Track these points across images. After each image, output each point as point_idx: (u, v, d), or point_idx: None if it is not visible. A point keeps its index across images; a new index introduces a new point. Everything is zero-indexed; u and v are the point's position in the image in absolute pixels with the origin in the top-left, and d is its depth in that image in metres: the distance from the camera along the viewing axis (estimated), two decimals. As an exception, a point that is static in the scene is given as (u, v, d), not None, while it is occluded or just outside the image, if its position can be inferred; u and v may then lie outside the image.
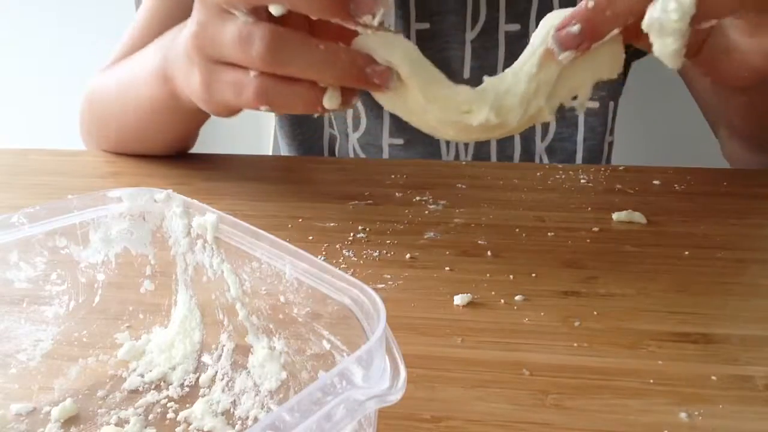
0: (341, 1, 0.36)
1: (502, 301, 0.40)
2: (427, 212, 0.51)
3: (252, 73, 0.40)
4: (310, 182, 0.59)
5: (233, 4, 0.39)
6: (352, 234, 0.48)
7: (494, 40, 0.69)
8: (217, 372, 0.34)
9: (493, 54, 0.69)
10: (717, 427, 0.30)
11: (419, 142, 0.71)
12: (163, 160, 0.62)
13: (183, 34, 0.46)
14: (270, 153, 0.92)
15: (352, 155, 0.74)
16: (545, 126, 0.71)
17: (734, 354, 0.34)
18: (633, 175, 0.57)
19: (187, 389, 0.33)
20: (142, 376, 0.34)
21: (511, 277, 0.42)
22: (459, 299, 0.39)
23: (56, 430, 0.31)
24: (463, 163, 0.68)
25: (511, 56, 0.69)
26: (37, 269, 0.33)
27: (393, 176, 0.57)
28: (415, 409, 0.31)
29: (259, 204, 0.53)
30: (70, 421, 0.31)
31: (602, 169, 0.59)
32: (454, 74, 0.70)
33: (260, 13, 0.39)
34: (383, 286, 0.41)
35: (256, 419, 0.31)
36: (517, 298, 0.40)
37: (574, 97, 0.39)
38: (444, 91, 0.38)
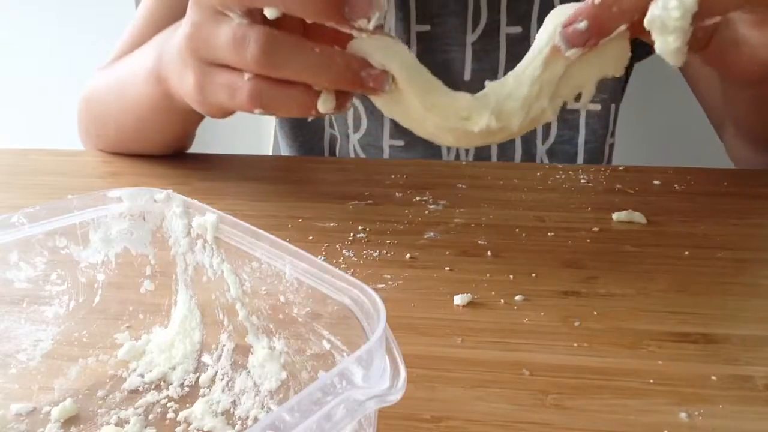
0: (336, 5, 0.36)
1: (502, 301, 0.40)
2: (427, 212, 0.51)
3: (246, 76, 0.40)
4: (310, 182, 0.59)
5: (228, 6, 0.39)
6: (352, 234, 0.48)
7: (495, 43, 0.69)
8: (217, 372, 0.34)
9: (494, 56, 0.69)
10: (717, 427, 0.30)
11: (420, 144, 0.71)
12: (162, 160, 0.62)
13: (177, 34, 0.45)
14: (270, 153, 0.92)
15: (352, 156, 0.74)
16: (546, 128, 0.71)
17: (734, 354, 0.34)
18: (633, 175, 0.57)
19: (187, 389, 0.33)
20: (142, 376, 0.34)
21: (511, 277, 0.42)
22: (459, 299, 0.39)
23: (56, 430, 0.31)
24: (463, 163, 0.68)
25: (512, 58, 0.69)
26: (37, 269, 0.33)
27: (393, 176, 0.57)
28: (415, 409, 0.31)
29: (259, 204, 0.53)
30: (70, 421, 0.31)
31: (602, 169, 0.59)
32: (454, 77, 0.70)
33: (255, 16, 0.39)
34: (383, 286, 0.41)
35: (256, 419, 0.31)
36: (517, 298, 0.40)
37: (577, 97, 0.39)
38: (442, 98, 0.38)
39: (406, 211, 0.51)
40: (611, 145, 0.76)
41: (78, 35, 1.30)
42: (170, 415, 0.32)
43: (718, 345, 0.35)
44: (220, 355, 0.34)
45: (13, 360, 0.33)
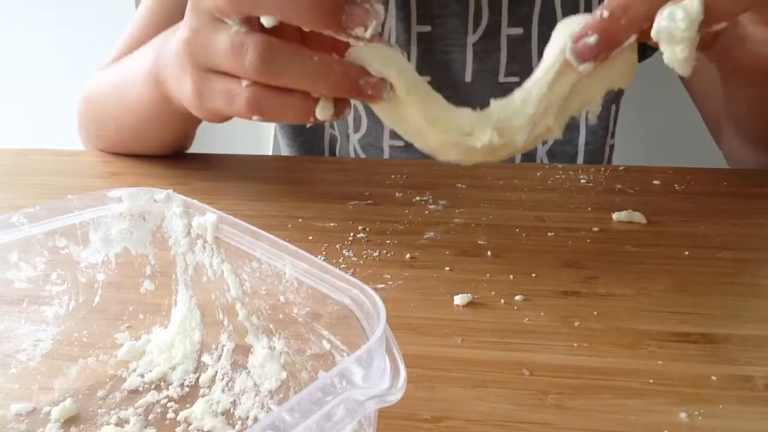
0: (333, 14, 0.36)
1: (502, 301, 0.40)
2: (427, 212, 0.51)
3: (244, 83, 0.40)
4: (310, 182, 0.59)
5: (225, 13, 0.39)
6: (352, 234, 0.48)
7: (496, 44, 0.69)
8: (217, 372, 0.34)
9: (495, 57, 0.69)
10: (717, 427, 0.30)
11: (420, 144, 0.71)
12: (162, 160, 0.62)
13: (175, 37, 0.45)
14: (270, 153, 0.92)
15: (352, 156, 0.74)
16: None
17: (734, 354, 0.34)
18: (633, 175, 0.57)
19: (187, 389, 0.33)
20: (142, 376, 0.34)
21: (511, 277, 0.42)
22: (459, 299, 0.39)
23: (56, 430, 0.31)
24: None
25: (513, 60, 0.69)
26: (37, 269, 0.33)
27: (393, 176, 0.57)
28: (415, 409, 0.31)
29: (259, 204, 0.53)
30: (70, 421, 0.31)
31: (602, 169, 0.59)
32: (455, 77, 0.70)
33: (253, 23, 0.39)
34: (383, 286, 0.41)
35: (256, 419, 0.31)
36: (517, 298, 0.40)
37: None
38: (444, 112, 0.38)
39: (406, 211, 0.51)
40: (611, 146, 0.76)
41: (78, 35, 1.30)
42: (170, 415, 0.32)
43: (718, 345, 0.35)
44: (220, 355, 0.34)
45: (13, 360, 0.33)
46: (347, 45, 0.38)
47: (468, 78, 0.70)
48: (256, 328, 0.33)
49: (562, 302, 0.39)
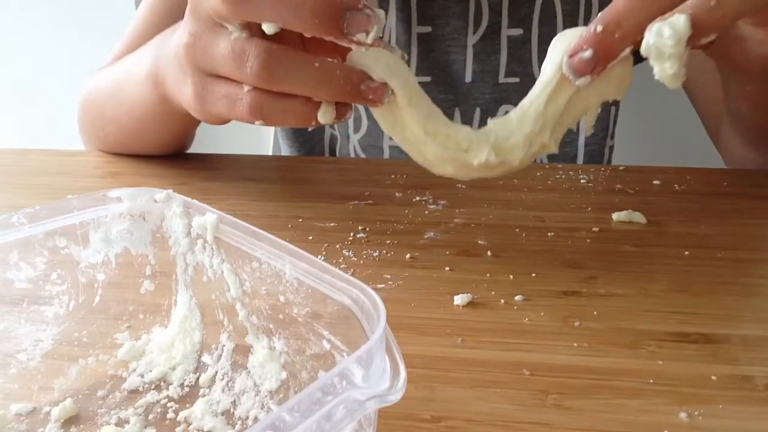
0: (335, 20, 0.36)
1: (502, 301, 0.40)
2: (427, 212, 0.51)
3: (246, 88, 0.40)
4: (310, 182, 0.59)
5: (225, 19, 0.39)
6: (352, 234, 0.48)
7: (496, 45, 0.69)
8: (217, 372, 0.34)
9: (495, 58, 0.69)
10: (717, 427, 0.30)
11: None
12: (163, 160, 0.62)
13: (174, 40, 0.45)
14: (270, 153, 0.92)
15: (353, 156, 0.74)
16: None
17: (734, 354, 0.34)
18: (633, 175, 0.57)
19: (187, 389, 0.33)
20: (142, 376, 0.34)
21: (511, 277, 0.42)
22: (459, 299, 0.39)
23: (56, 430, 0.31)
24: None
25: (513, 60, 0.69)
26: (37, 269, 0.33)
27: (393, 176, 0.57)
28: (415, 409, 0.31)
29: (259, 204, 0.53)
30: (70, 421, 0.31)
31: (602, 169, 0.59)
32: (455, 78, 0.70)
33: (253, 28, 0.39)
34: (383, 286, 0.41)
35: (256, 419, 0.31)
36: (517, 298, 0.40)
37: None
38: (443, 127, 0.38)
39: (406, 211, 0.51)
40: (611, 148, 0.76)
41: (78, 35, 1.30)
42: (170, 415, 0.32)
43: (718, 345, 0.35)
44: (220, 355, 0.34)
45: (13, 360, 0.33)
46: (348, 48, 0.38)
47: (468, 78, 0.70)
48: (256, 328, 0.33)
49: (562, 302, 0.39)
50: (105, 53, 0.69)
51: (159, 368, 0.34)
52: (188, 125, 0.60)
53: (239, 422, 0.31)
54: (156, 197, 0.35)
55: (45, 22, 1.32)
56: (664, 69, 0.34)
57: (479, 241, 0.46)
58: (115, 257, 0.35)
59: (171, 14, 0.61)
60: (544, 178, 0.57)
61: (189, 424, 0.31)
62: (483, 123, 0.74)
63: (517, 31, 0.69)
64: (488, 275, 0.42)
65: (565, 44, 0.36)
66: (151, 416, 0.32)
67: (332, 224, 0.49)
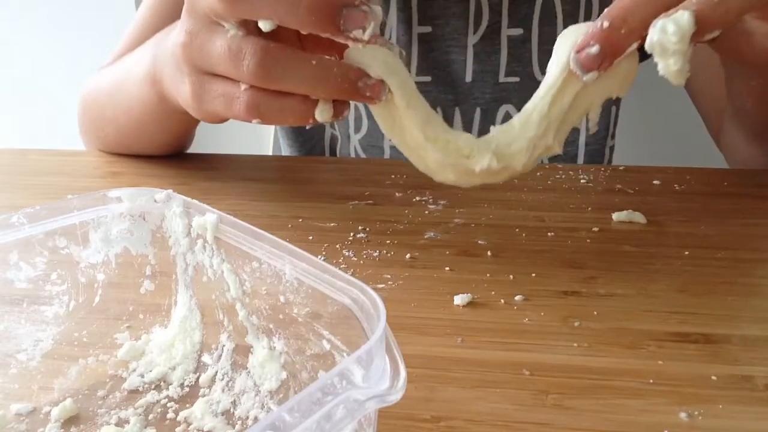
0: (331, 17, 0.36)
1: (502, 301, 0.40)
2: (427, 212, 0.51)
3: (243, 86, 0.40)
4: (310, 182, 0.59)
5: (222, 17, 0.39)
6: (352, 234, 0.48)
7: (496, 44, 0.69)
8: (217, 372, 0.34)
9: (495, 58, 0.69)
10: (717, 427, 0.30)
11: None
12: (163, 160, 0.62)
13: (171, 39, 0.45)
14: (270, 153, 0.92)
15: (353, 156, 0.74)
16: None
17: (734, 354, 0.34)
18: (633, 175, 0.57)
19: (187, 389, 0.33)
20: (142, 376, 0.34)
21: (511, 277, 0.42)
22: (459, 299, 0.39)
23: (56, 430, 0.31)
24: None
25: (513, 60, 0.69)
26: (37, 269, 0.33)
27: (393, 176, 0.57)
28: (415, 409, 0.31)
29: (259, 204, 0.53)
30: (70, 421, 0.31)
31: (602, 169, 0.59)
32: (456, 78, 0.70)
33: (249, 26, 0.39)
34: (383, 286, 0.41)
35: (256, 419, 0.31)
36: (517, 298, 0.40)
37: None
38: (443, 133, 0.38)
39: (406, 211, 0.51)
40: (611, 147, 0.76)
41: (79, 35, 1.30)
42: (170, 415, 0.32)
43: (718, 345, 0.35)
44: (220, 355, 0.34)
45: (13, 360, 0.33)
46: (346, 45, 0.38)
47: (468, 78, 0.70)
48: (256, 328, 0.33)
49: (562, 302, 0.39)
50: (105, 53, 0.69)
51: (159, 368, 0.34)
52: (187, 125, 0.60)
53: (239, 422, 0.31)
54: (156, 197, 0.35)
55: (45, 22, 1.32)
56: (668, 65, 0.34)
57: (479, 241, 0.46)
58: (115, 257, 0.35)
59: (171, 14, 0.61)
60: (544, 178, 0.57)
61: (189, 424, 0.31)
62: (483, 122, 0.74)
63: (517, 31, 0.69)
64: (488, 275, 0.42)
65: (570, 42, 0.36)
66: (151, 416, 0.32)
67: (332, 224, 0.49)
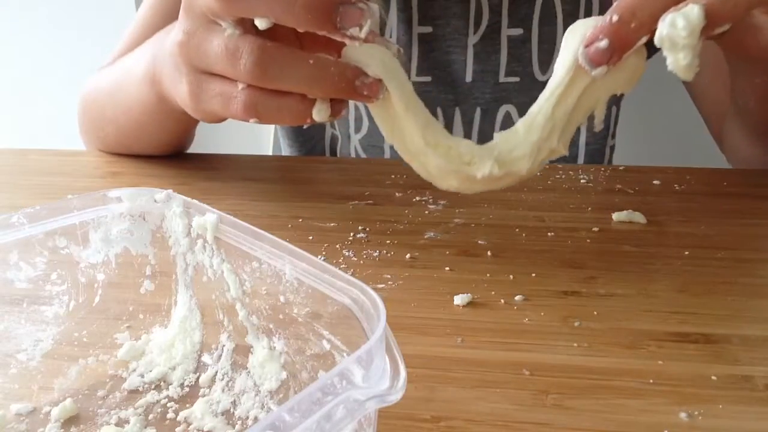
0: (327, 15, 0.36)
1: (502, 301, 0.40)
2: (427, 212, 0.51)
3: (240, 86, 0.39)
4: (310, 182, 0.59)
5: (219, 15, 0.39)
6: (352, 234, 0.48)
7: (496, 44, 0.69)
8: (217, 372, 0.34)
9: (495, 58, 0.69)
10: (717, 427, 0.30)
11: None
12: (163, 160, 0.62)
13: (169, 38, 0.45)
14: (270, 153, 0.92)
15: (354, 156, 0.74)
16: None
17: (734, 354, 0.34)
18: (633, 175, 0.57)
19: (187, 389, 0.33)
20: (142, 376, 0.34)
21: (511, 277, 0.42)
22: (459, 299, 0.39)
23: (56, 430, 0.31)
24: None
25: (513, 60, 0.69)
26: (37, 269, 0.33)
27: (393, 176, 0.57)
28: (415, 409, 0.31)
29: (259, 204, 0.53)
30: (70, 421, 0.31)
31: (602, 169, 0.59)
32: (456, 78, 0.70)
33: (246, 25, 0.38)
34: (383, 286, 0.41)
35: (256, 419, 0.31)
36: (517, 298, 0.40)
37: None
38: (444, 139, 0.38)
39: (406, 211, 0.51)
40: (612, 147, 0.76)
41: (79, 35, 1.30)
42: (170, 415, 0.32)
43: (718, 345, 0.35)
44: (220, 355, 0.34)
45: (13, 360, 0.33)
46: (343, 42, 0.38)
47: (468, 78, 0.70)
48: (256, 328, 0.33)
49: (562, 302, 0.39)
50: (105, 53, 0.69)
51: (159, 368, 0.34)
52: (187, 124, 0.60)
53: (239, 422, 0.31)
54: (156, 197, 0.35)
55: (45, 22, 1.32)
56: (678, 60, 0.34)
57: (479, 241, 0.46)
58: (115, 257, 0.35)
59: (171, 14, 0.61)
60: (544, 178, 0.57)
61: (189, 424, 0.31)
62: (483, 122, 0.74)
63: (517, 31, 0.69)
64: (488, 275, 0.42)
65: (577, 38, 0.36)
66: (151, 416, 0.32)
67: (332, 224, 0.49)
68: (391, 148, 0.72)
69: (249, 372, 0.33)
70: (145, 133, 0.60)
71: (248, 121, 0.41)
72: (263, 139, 1.09)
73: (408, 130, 0.38)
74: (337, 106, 0.40)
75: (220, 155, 0.64)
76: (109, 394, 0.33)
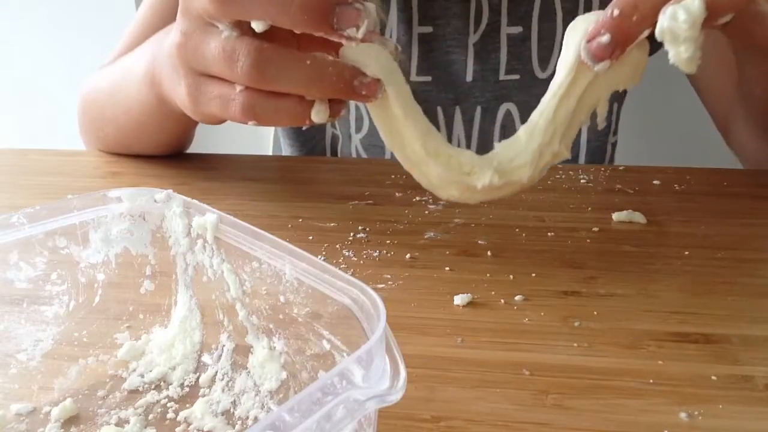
0: (323, 16, 0.36)
1: (502, 301, 0.40)
2: (427, 212, 0.51)
3: (238, 88, 0.39)
4: (311, 182, 0.59)
5: (215, 18, 0.38)
6: (352, 234, 0.48)
7: (496, 43, 0.69)
8: (217, 372, 0.34)
9: (495, 56, 0.69)
10: (717, 427, 0.30)
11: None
12: (162, 160, 0.62)
13: (168, 40, 0.45)
14: (270, 153, 0.92)
15: (354, 156, 0.74)
16: None
17: (734, 354, 0.34)
18: (633, 175, 0.57)
19: (187, 389, 0.33)
20: (142, 376, 0.34)
21: (511, 277, 0.42)
22: (459, 299, 0.39)
23: (56, 430, 0.31)
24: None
25: (513, 58, 0.69)
26: (37, 269, 0.33)
27: (393, 176, 0.57)
28: (415, 409, 0.31)
29: (259, 204, 0.53)
30: (70, 421, 0.31)
31: (602, 169, 0.59)
32: (456, 78, 0.70)
33: (243, 27, 0.38)
34: (383, 286, 0.41)
35: (256, 419, 0.31)
36: (517, 298, 0.40)
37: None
38: (444, 148, 0.38)
39: (406, 211, 0.51)
40: (614, 144, 0.76)
41: (79, 35, 1.30)
42: (170, 415, 0.32)
43: (718, 345, 0.35)
44: (220, 355, 0.34)
45: (13, 360, 0.33)
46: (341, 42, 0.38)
47: (469, 78, 0.70)
48: (256, 328, 0.33)
49: (562, 302, 0.39)
50: (105, 53, 0.69)
51: (159, 368, 0.34)
52: (186, 125, 0.60)
53: (239, 422, 0.31)
54: (156, 197, 0.35)
55: (45, 22, 1.32)
56: (679, 53, 0.33)
57: (479, 241, 0.46)
58: (115, 257, 0.35)
59: (171, 14, 0.61)
60: (544, 178, 0.56)
61: (189, 424, 0.31)
62: (484, 121, 0.74)
63: (517, 29, 0.69)
64: (488, 275, 0.42)
65: (579, 34, 0.36)
66: (151, 416, 0.32)
67: (332, 224, 0.49)
68: (392, 147, 0.72)
69: (249, 372, 0.33)
70: (144, 134, 0.60)
71: (247, 124, 0.40)
72: (263, 139, 1.09)
73: (407, 136, 0.38)
74: (336, 106, 0.39)
75: (220, 155, 0.64)
76: (109, 394, 0.33)
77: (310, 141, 0.78)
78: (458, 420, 0.30)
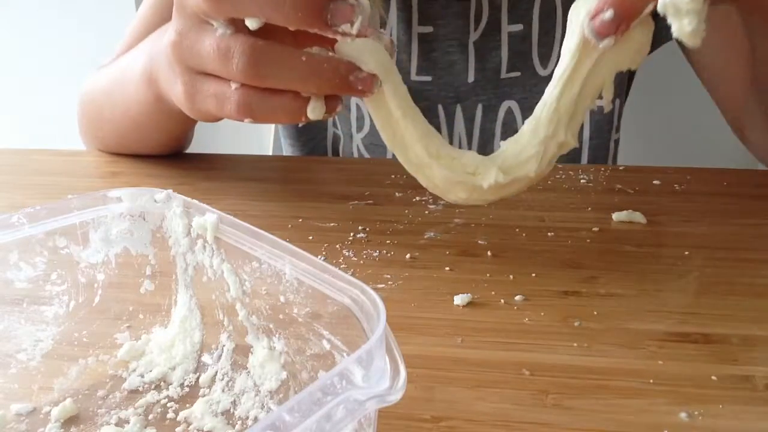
0: (317, 13, 0.36)
1: (502, 301, 0.40)
2: (427, 212, 0.51)
3: (233, 85, 0.39)
4: (311, 182, 0.59)
5: (209, 15, 0.38)
6: (352, 234, 0.48)
7: (496, 41, 0.69)
8: (217, 372, 0.34)
9: (495, 55, 0.69)
10: (717, 427, 0.30)
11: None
12: (162, 160, 0.62)
13: (164, 38, 0.45)
14: (270, 153, 0.92)
15: (356, 156, 0.74)
16: None
17: (734, 354, 0.34)
18: (633, 175, 0.57)
19: (187, 389, 0.33)
20: (142, 376, 0.34)
21: (511, 277, 0.42)
22: (459, 299, 0.39)
23: (56, 430, 0.31)
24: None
25: (514, 56, 0.69)
26: (37, 269, 0.33)
27: (393, 176, 0.57)
28: (415, 409, 0.31)
29: (260, 204, 0.53)
30: (70, 421, 0.31)
31: (602, 169, 0.59)
32: (457, 77, 0.70)
33: (238, 24, 0.38)
34: (383, 286, 0.41)
35: (256, 419, 0.31)
36: (517, 298, 0.40)
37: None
38: (445, 150, 0.38)
39: (406, 211, 0.51)
40: (616, 141, 0.75)
41: (79, 35, 1.30)
42: (170, 415, 0.32)
43: (718, 345, 0.35)
44: (220, 355, 0.34)
45: (13, 360, 0.33)
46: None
47: (470, 77, 0.70)
48: (256, 328, 0.33)
49: (562, 302, 0.39)
50: (105, 53, 0.69)
51: (159, 368, 0.34)
52: (185, 124, 0.60)
53: (239, 422, 0.31)
54: (156, 197, 0.35)
55: (45, 22, 1.32)
56: (682, 26, 0.32)
57: (479, 241, 0.46)
58: (115, 257, 0.35)
59: (171, 13, 0.61)
60: (544, 178, 0.57)
61: (189, 424, 0.31)
62: (485, 119, 0.73)
63: (517, 27, 0.69)
64: (488, 275, 0.42)
65: (581, 17, 0.35)
66: (151, 416, 0.32)
67: (332, 224, 0.49)
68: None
69: (249, 372, 0.33)
70: (143, 133, 0.60)
71: (243, 121, 0.40)
72: (264, 139, 1.09)
73: (408, 138, 0.38)
74: (331, 103, 0.39)
75: (220, 155, 0.64)
76: (109, 394, 0.33)
77: (311, 141, 0.78)
78: (458, 420, 0.30)
